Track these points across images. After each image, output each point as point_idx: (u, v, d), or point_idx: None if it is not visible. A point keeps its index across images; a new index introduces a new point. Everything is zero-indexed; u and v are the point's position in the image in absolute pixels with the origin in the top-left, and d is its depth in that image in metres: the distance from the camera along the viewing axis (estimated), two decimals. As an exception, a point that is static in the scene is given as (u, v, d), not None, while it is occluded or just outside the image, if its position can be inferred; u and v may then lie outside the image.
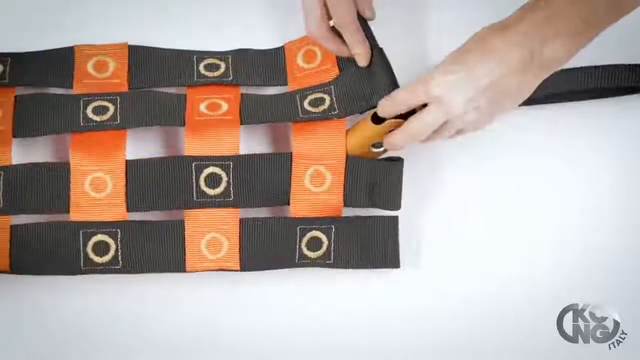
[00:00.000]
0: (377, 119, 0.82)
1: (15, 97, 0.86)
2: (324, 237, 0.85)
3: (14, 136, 0.84)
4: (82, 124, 0.84)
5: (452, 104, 0.77)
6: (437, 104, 0.78)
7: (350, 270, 0.86)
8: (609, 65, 0.88)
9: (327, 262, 0.85)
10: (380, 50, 0.86)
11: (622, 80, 0.88)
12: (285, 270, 0.85)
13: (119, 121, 0.84)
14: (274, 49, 0.90)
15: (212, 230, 0.84)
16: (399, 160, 0.85)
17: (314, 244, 0.85)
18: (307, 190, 0.84)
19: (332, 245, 0.85)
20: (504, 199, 0.89)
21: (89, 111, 0.85)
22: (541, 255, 0.88)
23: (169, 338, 0.85)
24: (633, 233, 0.88)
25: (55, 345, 0.84)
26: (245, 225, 0.84)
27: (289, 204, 0.85)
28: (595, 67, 0.87)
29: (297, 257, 0.85)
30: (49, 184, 0.83)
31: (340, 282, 0.86)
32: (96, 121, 0.84)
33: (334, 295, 0.86)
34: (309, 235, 0.84)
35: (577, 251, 0.88)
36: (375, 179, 0.84)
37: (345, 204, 0.85)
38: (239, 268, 0.84)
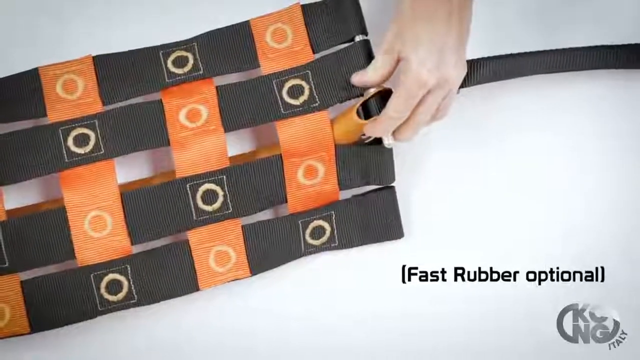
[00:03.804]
0: (363, 114, 0.82)
1: None
2: (326, 224, 0.85)
3: (1, 184, 0.82)
4: (67, 159, 0.83)
5: (451, 79, 0.78)
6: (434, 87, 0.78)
7: (350, 269, 0.86)
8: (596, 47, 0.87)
9: (332, 245, 0.86)
10: (366, 39, 0.85)
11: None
12: (285, 271, 0.85)
13: (103, 151, 0.83)
14: (238, 24, 0.86)
15: (217, 244, 0.84)
16: None
17: (317, 232, 0.85)
18: (302, 186, 0.85)
19: (335, 229, 0.86)
20: (503, 194, 0.89)
21: (70, 143, 0.83)
22: (541, 255, 0.88)
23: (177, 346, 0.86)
24: (633, 233, 0.89)
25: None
26: (248, 231, 0.84)
27: (286, 202, 0.85)
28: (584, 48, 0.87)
29: (302, 248, 0.85)
30: (50, 233, 0.82)
31: (341, 282, 0.87)
32: (80, 154, 0.83)
33: (334, 296, 0.87)
34: (311, 226, 0.85)
35: (578, 250, 0.88)
36: (367, 160, 0.85)
37: (341, 188, 0.85)
38: (249, 274, 0.85)
